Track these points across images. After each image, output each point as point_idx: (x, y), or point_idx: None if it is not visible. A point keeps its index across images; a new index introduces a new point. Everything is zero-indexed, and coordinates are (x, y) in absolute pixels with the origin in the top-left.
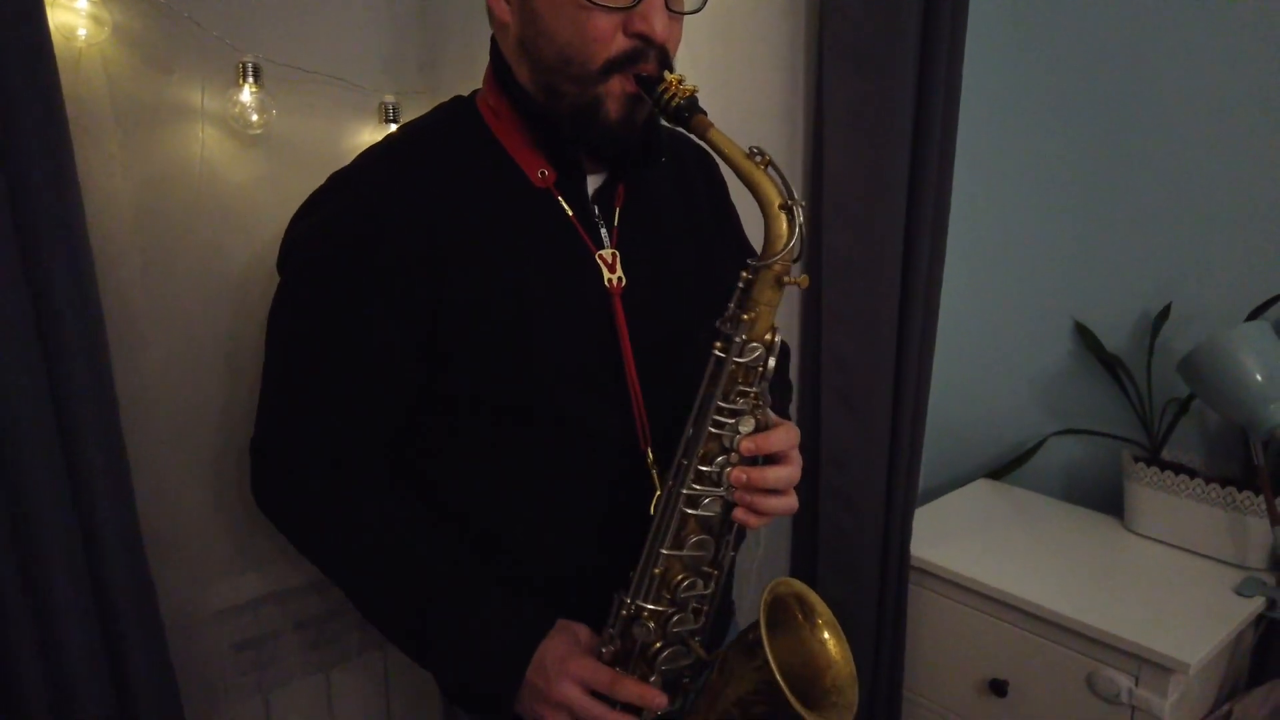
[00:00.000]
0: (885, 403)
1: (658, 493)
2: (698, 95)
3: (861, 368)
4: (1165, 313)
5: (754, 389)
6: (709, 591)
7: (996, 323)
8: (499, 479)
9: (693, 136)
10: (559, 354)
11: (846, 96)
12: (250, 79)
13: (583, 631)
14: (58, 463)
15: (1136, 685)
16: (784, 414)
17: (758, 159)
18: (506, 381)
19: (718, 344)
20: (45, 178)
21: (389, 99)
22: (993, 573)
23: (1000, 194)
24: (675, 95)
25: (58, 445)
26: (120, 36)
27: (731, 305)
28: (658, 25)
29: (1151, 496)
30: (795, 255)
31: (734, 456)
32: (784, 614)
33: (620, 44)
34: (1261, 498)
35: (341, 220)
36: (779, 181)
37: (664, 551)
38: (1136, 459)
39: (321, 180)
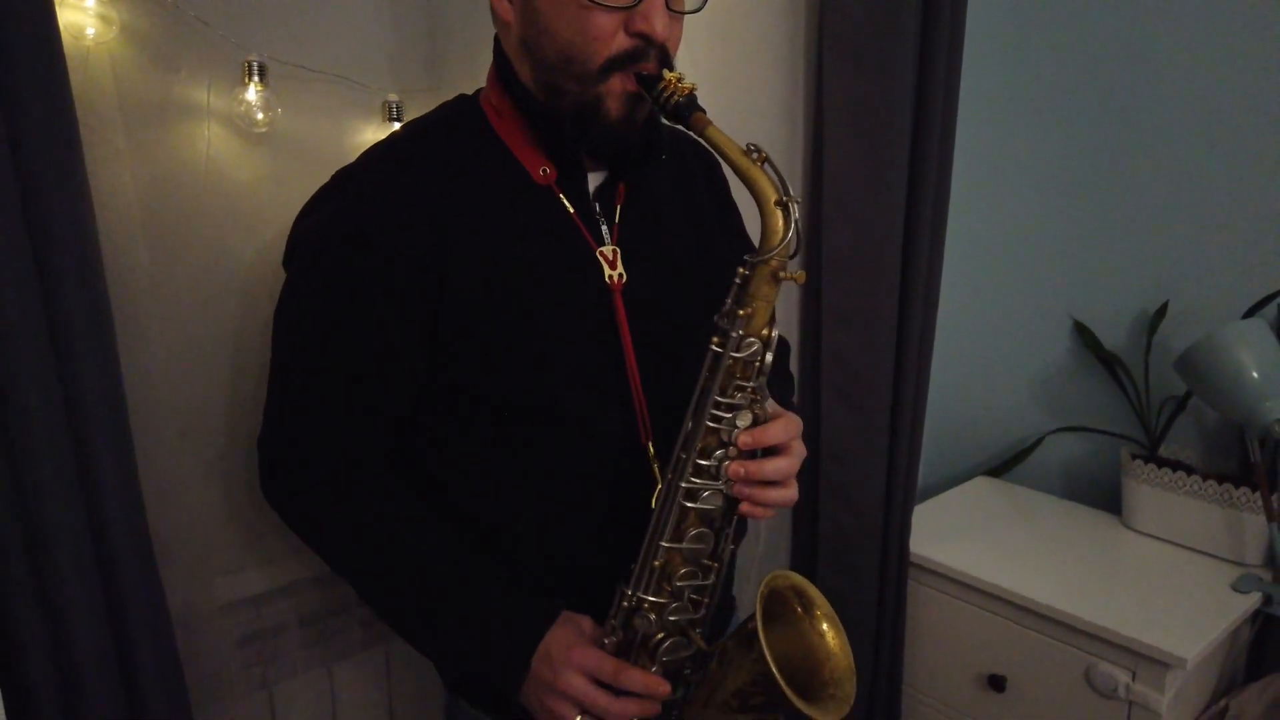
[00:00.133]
0: (885, 400)
1: (658, 486)
2: (696, 93)
3: (861, 365)
4: (1163, 310)
5: (751, 383)
6: (709, 583)
7: (995, 320)
8: (501, 474)
9: (691, 134)
10: (560, 350)
11: (846, 95)
12: (255, 78)
13: (586, 623)
14: (67, 461)
15: (1134, 680)
16: (787, 406)
17: (754, 156)
18: (508, 377)
19: (715, 339)
20: (55, 177)
21: (393, 98)
22: (991, 569)
23: (999, 192)
24: (674, 93)
25: (67, 443)
26: (128, 35)
27: (728, 300)
28: (658, 24)
29: (1149, 493)
30: (791, 251)
31: (732, 450)
32: (783, 606)
33: (621, 43)
34: (1258, 494)
35: (345, 217)
36: (775, 178)
37: (664, 544)
38: (1134, 456)
39: (326, 178)
